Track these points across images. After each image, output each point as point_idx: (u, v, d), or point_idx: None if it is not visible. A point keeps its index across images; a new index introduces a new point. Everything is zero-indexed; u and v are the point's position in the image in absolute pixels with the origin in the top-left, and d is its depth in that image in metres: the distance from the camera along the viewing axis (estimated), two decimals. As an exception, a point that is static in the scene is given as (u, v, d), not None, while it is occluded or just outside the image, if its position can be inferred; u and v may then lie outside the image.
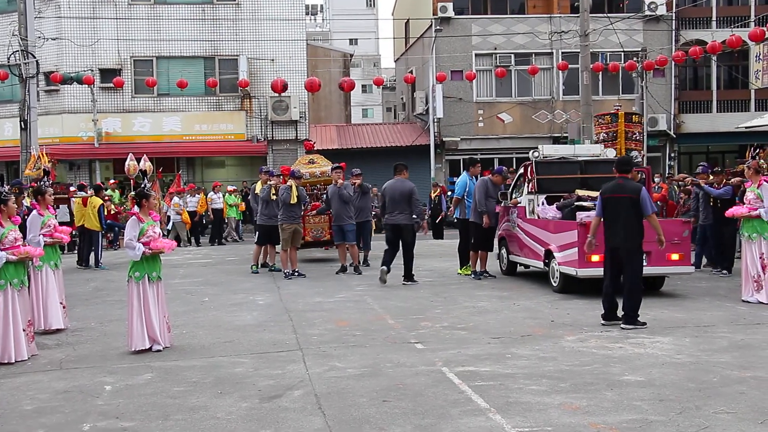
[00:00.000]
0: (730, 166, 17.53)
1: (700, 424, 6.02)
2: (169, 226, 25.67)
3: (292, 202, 15.63)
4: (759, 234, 11.62)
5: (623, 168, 10.45)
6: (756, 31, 18.95)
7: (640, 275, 10.19)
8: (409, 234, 14.65)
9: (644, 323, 9.91)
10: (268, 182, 16.80)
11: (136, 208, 9.44)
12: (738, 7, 35.56)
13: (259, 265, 17.10)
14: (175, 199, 25.69)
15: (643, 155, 17.85)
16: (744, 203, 12.05)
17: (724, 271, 14.88)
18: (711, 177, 15.64)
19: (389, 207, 14.69)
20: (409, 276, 14.65)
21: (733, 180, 14.60)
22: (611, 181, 10.52)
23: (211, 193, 26.68)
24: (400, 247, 14.73)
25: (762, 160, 13.62)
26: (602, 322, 10.18)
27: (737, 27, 31.10)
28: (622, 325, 9.93)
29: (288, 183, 15.93)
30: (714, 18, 34.94)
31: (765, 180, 11.90)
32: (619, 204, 10.12)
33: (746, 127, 26.72)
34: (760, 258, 11.57)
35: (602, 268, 11.79)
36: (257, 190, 17.57)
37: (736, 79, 35.28)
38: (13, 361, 8.68)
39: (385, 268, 14.32)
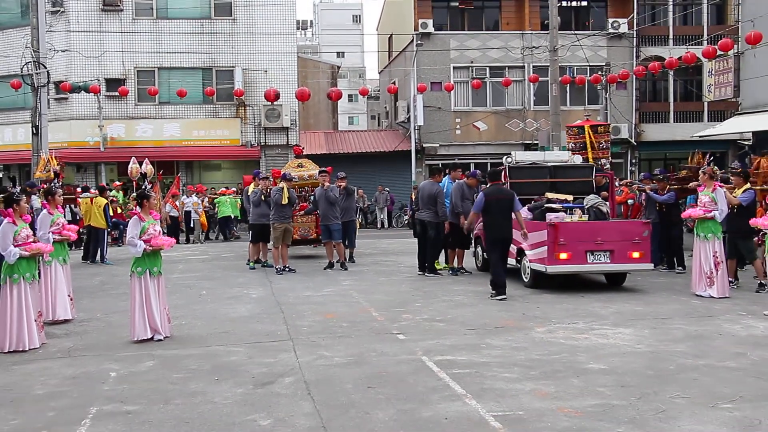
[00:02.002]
0: (674, 171, 17.64)
1: (657, 408, 6.07)
2: (191, 224, 25.82)
3: (283, 203, 15.62)
4: (713, 234, 11.71)
5: (495, 177, 12.43)
6: (709, 49, 19.07)
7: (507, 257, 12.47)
8: (433, 230, 14.74)
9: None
10: (258, 185, 16.75)
11: (137, 208, 9.42)
12: (692, 27, 35.74)
13: (249, 260, 17.07)
14: (194, 198, 25.79)
15: (611, 162, 17.92)
16: (697, 205, 12.14)
17: (680, 268, 14.96)
18: (654, 183, 15.74)
19: (419, 204, 15.12)
20: (431, 268, 14.88)
21: (691, 184, 14.67)
22: (491, 186, 12.26)
23: (183, 196, 26.44)
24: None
25: (715, 167, 13.70)
26: (496, 298, 11.70)
27: (692, 45, 31.35)
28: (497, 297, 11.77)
29: (279, 185, 15.91)
30: (671, 36, 35.12)
31: (718, 185, 12.01)
32: (500, 204, 11.99)
33: (700, 136, 26.93)
34: (714, 256, 11.65)
35: (569, 265, 12.02)
36: (250, 192, 17.53)
37: (691, 92, 35.50)
38: (27, 348, 8.67)
39: (421, 273, 14.89)
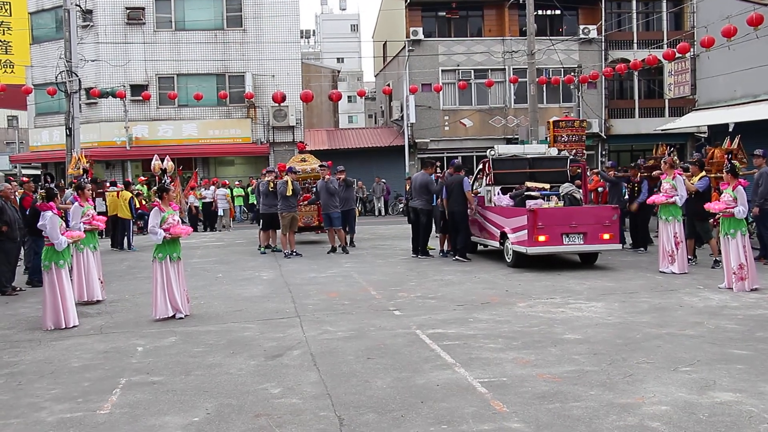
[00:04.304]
0: (643, 160, 17.68)
1: (625, 372, 6.07)
2: (221, 212, 25.93)
3: (288, 194, 15.59)
4: (674, 217, 11.70)
5: (457, 168, 14.06)
6: (669, 52, 19.02)
7: (468, 225, 14.04)
8: (424, 216, 14.72)
9: (470, 259, 13.90)
10: (266, 177, 16.70)
11: (158, 200, 9.40)
12: (654, 32, 35.68)
13: (260, 246, 17.04)
14: (225, 189, 25.86)
15: (584, 154, 17.92)
16: (660, 192, 12.12)
17: (642, 249, 14.96)
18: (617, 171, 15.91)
19: (412, 194, 15.04)
20: (423, 251, 14.87)
21: (655, 172, 14.67)
22: (450, 176, 14.05)
23: (202, 188, 26.47)
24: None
25: (676, 157, 13.66)
26: (458, 258, 13.83)
27: (654, 48, 31.27)
28: (458, 257, 13.87)
29: (285, 178, 15.87)
30: (635, 41, 35.07)
31: (678, 173, 11.99)
32: (454, 187, 13.78)
33: (662, 130, 26.88)
34: (674, 236, 11.65)
35: (547, 246, 12.06)
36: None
37: (653, 91, 35.47)
38: (70, 326, 8.69)
39: (414, 256, 14.89)
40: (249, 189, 28.71)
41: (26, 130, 37.69)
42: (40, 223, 8.88)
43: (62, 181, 23.77)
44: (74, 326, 8.73)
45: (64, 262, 8.82)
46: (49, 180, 14.93)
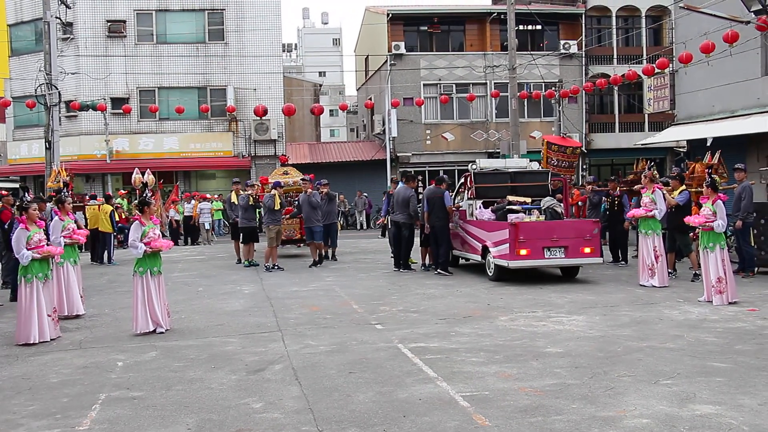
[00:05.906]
0: (622, 176, 17.81)
1: (607, 385, 6.10)
2: (207, 226, 25.82)
3: (276, 208, 15.59)
4: (653, 231, 11.81)
5: (439, 181, 14.23)
6: (648, 67, 19.25)
7: (449, 239, 14.21)
8: (407, 230, 14.72)
9: (451, 272, 13.98)
10: (246, 191, 16.59)
11: (139, 214, 9.34)
12: (633, 48, 36.15)
13: (243, 260, 16.95)
14: (209, 204, 25.84)
15: (572, 179, 17.99)
16: (641, 206, 12.24)
17: (622, 262, 15.08)
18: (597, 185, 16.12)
19: (395, 208, 15.00)
20: (405, 265, 14.87)
21: (635, 187, 14.82)
22: (430, 189, 14.23)
23: (184, 202, 26.34)
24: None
25: (655, 171, 13.81)
26: (440, 271, 13.91)
27: (633, 63, 31.64)
28: (439, 271, 13.92)
29: (272, 192, 15.85)
30: (615, 56, 35.51)
31: (657, 187, 12.12)
32: (435, 201, 13.89)
33: (642, 144, 27.23)
34: (654, 250, 11.76)
35: (528, 260, 12.11)
36: (233, 199, 17.40)
37: (633, 106, 35.87)
38: (37, 342, 8.54)
39: (396, 269, 14.91)
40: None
41: (4, 143, 37.33)
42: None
43: (41, 194, 23.59)
44: (25, 343, 8.48)
45: (32, 276, 8.68)
46: (24, 193, 14.78)
